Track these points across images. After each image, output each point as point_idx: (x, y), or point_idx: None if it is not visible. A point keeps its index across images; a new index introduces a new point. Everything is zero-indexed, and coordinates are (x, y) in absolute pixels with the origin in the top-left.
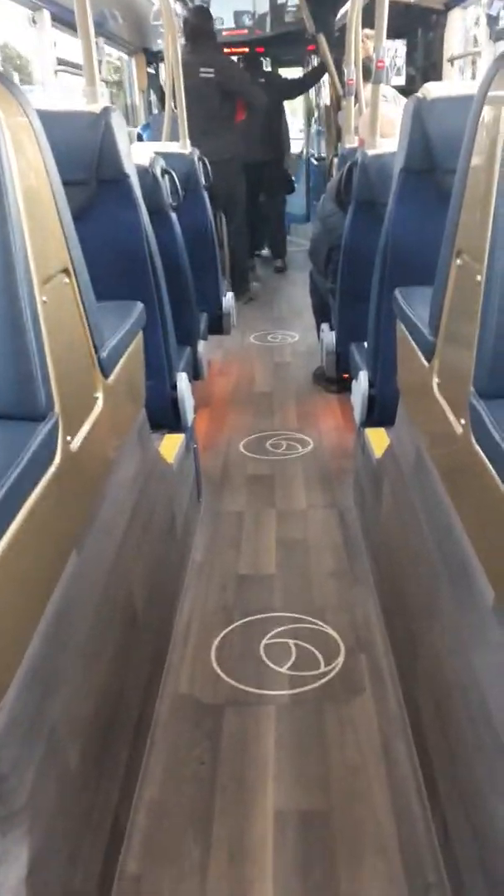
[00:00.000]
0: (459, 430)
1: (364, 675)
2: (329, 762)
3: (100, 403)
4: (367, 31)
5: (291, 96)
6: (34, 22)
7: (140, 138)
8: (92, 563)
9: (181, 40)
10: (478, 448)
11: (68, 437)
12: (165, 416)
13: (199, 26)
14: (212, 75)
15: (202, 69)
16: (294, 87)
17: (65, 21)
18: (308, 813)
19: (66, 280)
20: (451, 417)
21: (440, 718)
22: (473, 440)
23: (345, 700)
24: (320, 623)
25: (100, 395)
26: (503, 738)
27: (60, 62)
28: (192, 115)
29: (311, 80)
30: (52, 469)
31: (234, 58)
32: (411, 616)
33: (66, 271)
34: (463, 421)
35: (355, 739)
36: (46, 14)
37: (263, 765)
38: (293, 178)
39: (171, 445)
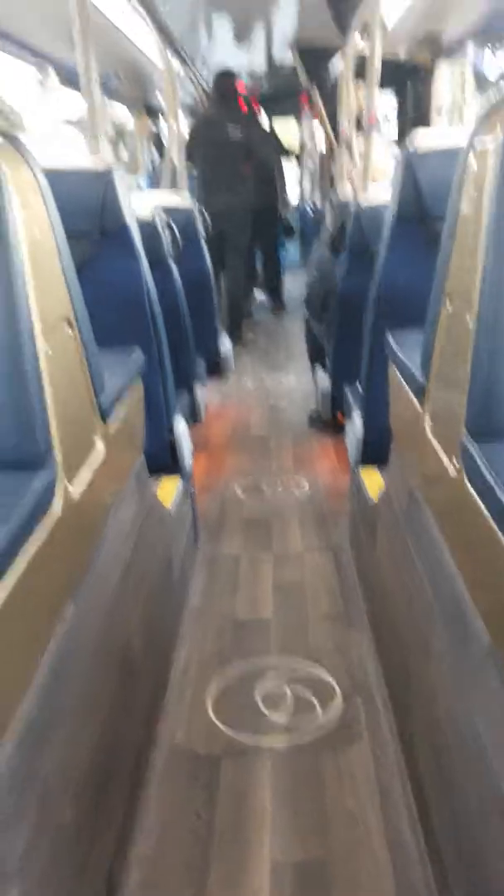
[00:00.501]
0: (453, 471)
1: (361, 722)
2: (327, 812)
3: (99, 449)
4: (359, 82)
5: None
6: (41, 83)
7: (140, 189)
8: (89, 611)
9: (184, 96)
10: (471, 490)
11: (67, 484)
12: (163, 459)
13: (227, 88)
14: (239, 134)
15: (230, 127)
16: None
17: (70, 80)
18: (305, 864)
19: (69, 329)
20: (444, 459)
21: (437, 766)
22: (467, 482)
23: (342, 747)
24: (317, 668)
25: (99, 441)
26: (500, 780)
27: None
28: (215, 168)
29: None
30: (50, 517)
31: None
32: (407, 660)
33: (68, 320)
34: (456, 462)
35: (353, 788)
36: (53, 73)
37: (260, 816)
38: (291, 224)
39: (168, 489)
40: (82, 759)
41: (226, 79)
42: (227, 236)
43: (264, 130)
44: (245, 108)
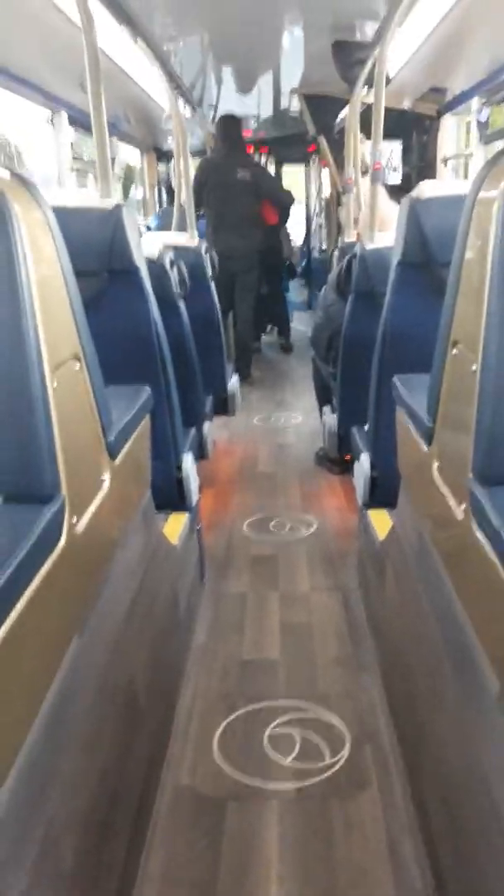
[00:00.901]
0: (460, 515)
1: (370, 768)
2: (334, 862)
3: (106, 485)
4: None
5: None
6: (52, 123)
7: (149, 229)
8: (93, 648)
9: (191, 140)
10: (479, 534)
11: (74, 519)
12: (170, 495)
13: (233, 132)
14: (248, 177)
15: (239, 170)
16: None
17: (80, 122)
18: None
19: (77, 366)
20: (452, 502)
21: (448, 815)
22: (474, 526)
23: (350, 795)
24: (325, 712)
25: (106, 477)
26: None
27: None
28: (223, 212)
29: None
30: (56, 551)
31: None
32: (416, 705)
33: (76, 357)
34: (463, 506)
35: (362, 838)
36: (64, 115)
37: (266, 865)
38: (294, 265)
39: (175, 525)
40: (85, 802)
41: (231, 122)
42: (237, 277)
43: (272, 175)
44: (251, 151)
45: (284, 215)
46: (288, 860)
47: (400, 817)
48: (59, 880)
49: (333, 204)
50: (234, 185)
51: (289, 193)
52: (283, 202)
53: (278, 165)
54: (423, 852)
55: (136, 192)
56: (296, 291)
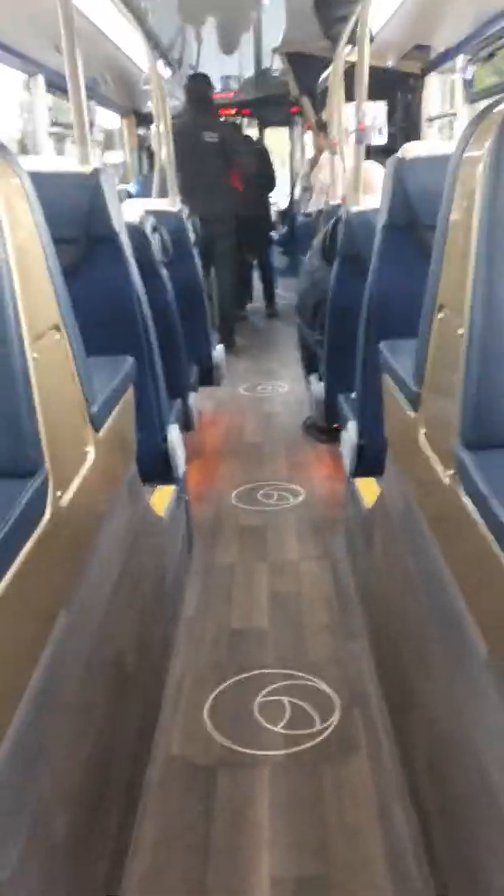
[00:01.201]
0: (447, 480)
1: (360, 733)
2: (326, 826)
3: (90, 458)
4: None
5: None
6: (28, 87)
7: (129, 195)
8: (81, 621)
9: (172, 102)
10: (465, 499)
11: (58, 493)
12: (156, 468)
13: (201, 92)
14: (215, 140)
15: (206, 133)
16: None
17: (57, 85)
18: (305, 880)
19: (58, 336)
20: (439, 468)
21: (436, 777)
22: (461, 491)
23: (340, 759)
24: (314, 679)
25: (91, 449)
26: (498, 795)
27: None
28: (194, 176)
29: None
30: (41, 526)
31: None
32: (405, 670)
33: (56, 327)
34: (450, 471)
35: (352, 801)
36: (41, 78)
37: (258, 830)
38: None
39: (162, 498)
40: (77, 772)
41: (199, 83)
42: (214, 243)
43: (243, 136)
44: (233, 113)
45: (270, 183)
46: (279, 825)
47: (389, 780)
48: (53, 851)
49: (317, 166)
50: (203, 148)
51: (252, 162)
52: (244, 169)
53: (261, 128)
54: (412, 814)
55: (111, 156)
56: (275, 258)
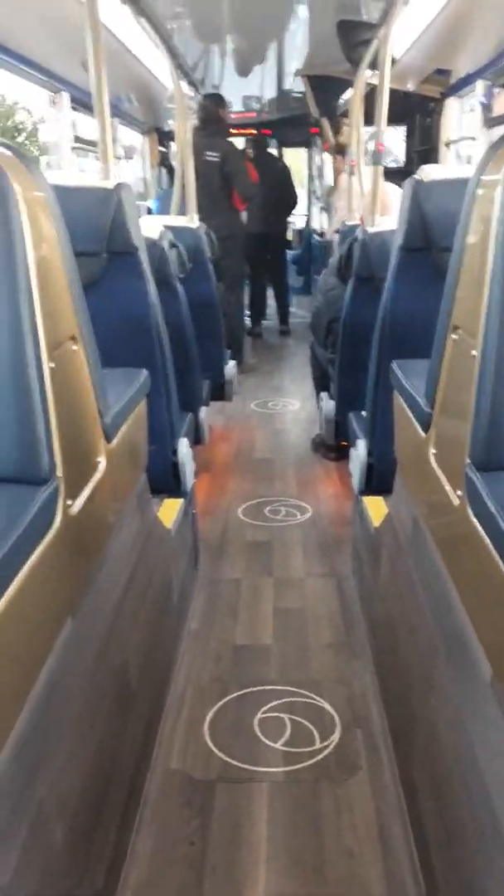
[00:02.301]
0: (456, 501)
1: (360, 753)
2: (323, 845)
3: (102, 468)
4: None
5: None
6: (54, 103)
7: (150, 212)
8: (87, 630)
9: (193, 121)
10: (474, 520)
11: (69, 501)
12: (166, 480)
13: (212, 111)
14: (216, 159)
15: (207, 153)
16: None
17: (82, 102)
18: None
19: (74, 347)
20: (448, 488)
21: (437, 799)
22: (470, 512)
23: (340, 779)
24: (316, 697)
25: (102, 459)
26: (501, 819)
27: (78, 139)
28: (199, 196)
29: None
30: (51, 533)
31: (242, 139)
32: (408, 690)
33: (74, 338)
34: (459, 492)
35: (351, 821)
36: (66, 96)
37: (256, 847)
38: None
39: (170, 510)
40: (76, 781)
41: (210, 102)
42: (219, 262)
43: (241, 162)
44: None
45: (291, 203)
46: (277, 842)
47: (389, 801)
48: (50, 859)
49: (336, 188)
50: (203, 167)
51: (249, 185)
52: (241, 189)
53: (280, 148)
54: (411, 836)
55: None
56: (290, 277)
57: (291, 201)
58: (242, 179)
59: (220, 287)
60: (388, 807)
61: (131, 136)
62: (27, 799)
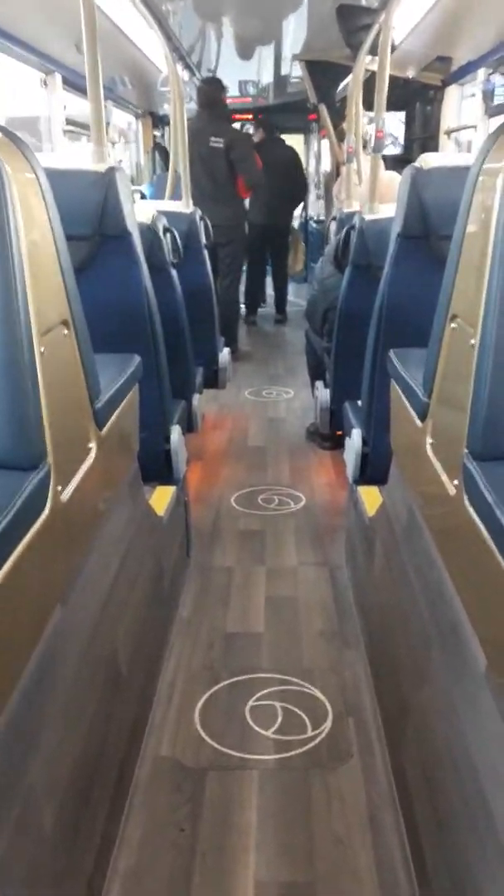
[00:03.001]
0: (452, 491)
1: (352, 741)
2: (313, 832)
3: (93, 454)
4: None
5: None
6: (45, 84)
7: (143, 196)
8: (77, 617)
9: (189, 105)
10: (471, 510)
11: (59, 487)
12: (158, 468)
13: (212, 96)
14: (221, 145)
15: (212, 138)
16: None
17: (75, 84)
18: (290, 885)
19: (65, 332)
20: (445, 478)
21: (428, 788)
22: (466, 502)
23: (331, 767)
24: (308, 685)
25: (93, 445)
26: (493, 809)
27: (69, 121)
28: (200, 181)
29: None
30: (41, 519)
31: (249, 126)
32: (401, 680)
33: (65, 323)
34: (456, 482)
35: (341, 808)
36: (58, 77)
37: (245, 833)
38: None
39: (162, 498)
40: (66, 767)
41: (211, 87)
42: (217, 249)
43: (249, 147)
44: (238, 119)
45: (301, 191)
46: (267, 830)
47: (380, 789)
48: (39, 844)
49: (333, 174)
50: (208, 153)
51: (255, 172)
52: (247, 177)
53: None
54: (402, 824)
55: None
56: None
57: (299, 191)
58: (248, 167)
59: (221, 274)
60: (380, 795)
61: (120, 119)
62: (17, 785)
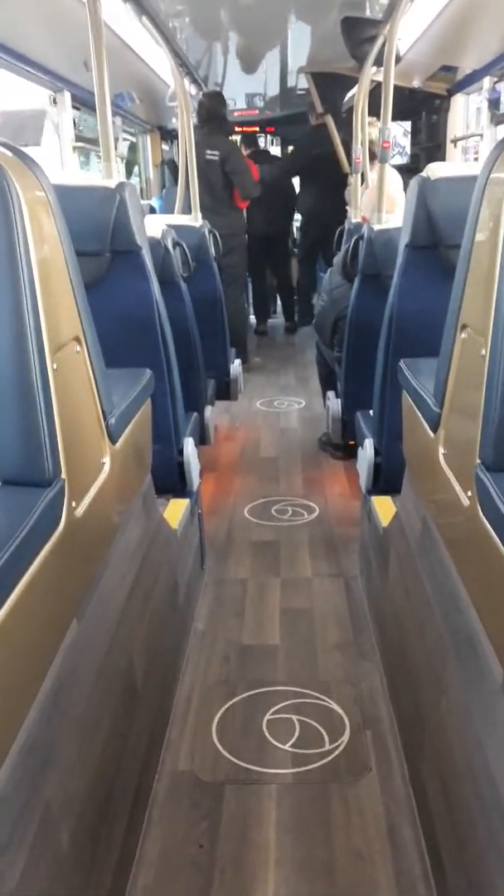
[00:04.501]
0: (466, 501)
1: (369, 754)
2: (333, 847)
3: (106, 469)
4: (371, 118)
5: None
6: (54, 102)
7: (153, 210)
8: (93, 631)
9: (194, 120)
10: (484, 520)
11: (73, 503)
12: (171, 480)
13: (212, 110)
14: (217, 157)
15: (208, 151)
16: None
17: (84, 101)
18: None
19: (78, 348)
20: (458, 488)
21: (447, 801)
22: (480, 512)
23: (349, 780)
24: (325, 698)
25: (107, 460)
26: None
27: (79, 138)
28: (199, 195)
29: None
30: (56, 535)
31: (238, 137)
32: (418, 692)
33: (77, 339)
34: (469, 493)
35: (360, 823)
36: (67, 95)
37: (264, 849)
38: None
39: (175, 510)
40: (83, 783)
41: (212, 100)
42: (219, 262)
43: (242, 160)
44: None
45: (292, 202)
46: (286, 844)
47: (399, 803)
48: (57, 861)
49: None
50: (205, 165)
51: (250, 184)
52: (243, 188)
53: (284, 146)
54: (421, 837)
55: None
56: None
57: (292, 201)
58: (244, 178)
59: (224, 286)
60: (398, 808)
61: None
62: (34, 801)
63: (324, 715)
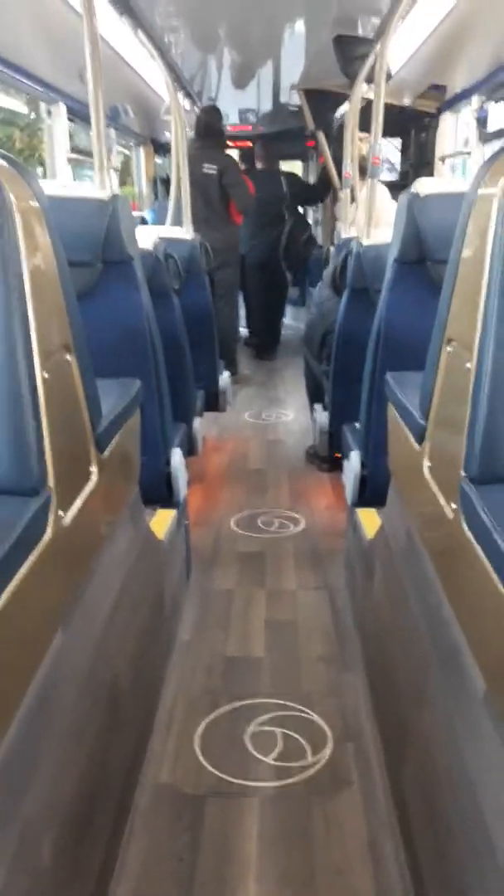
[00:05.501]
0: (450, 514)
1: (352, 767)
2: (314, 860)
3: (94, 478)
4: (362, 133)
5: (305, 201)
6: (49, 113)
7: (144, 222)
8: (77, 642)
9: (190, 134)
10: (469, 533)
11: (60, 512)
12: (158, 491)
13: (210, 124)
14: (214, 171)
15: (206, 164)
16: (307, 194)
17: (78, 113)
18: None
19: (68, 357)
20: (443, 501)
21: (429, 814)
22: (464, 525)
23: (331, 794)
24: (308, 711)
25: (94, 470)
26: (494, 836)
27: (74, 149)
28: (194, 206)
29: (317, 193)
30: (42, 544)
31: (236, 151)
32: (401, 704)
33: (67, 348)
34: (454, 505)
35: (341, 837)
36: (62, 107)
37: (245, 862)
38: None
39: (162, 521)
40: (65, 794)
41: (209, 114)
42: (213, 273)
43: (239, 173)
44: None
45: (282, 219)
46: (267, 858)
47: (381, 817)
48: (38, 872)
49: (331, 199)
50: (201, 179)
51: (247, 197)
52: (240, 201)
53: (276, 161)
54: (402, 851)
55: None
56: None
57: (282, 218)
58: (240, 192)
59: (216, 300)
60: (380, 822)
61: None
62: (15, 812)
63: (307, 728)
